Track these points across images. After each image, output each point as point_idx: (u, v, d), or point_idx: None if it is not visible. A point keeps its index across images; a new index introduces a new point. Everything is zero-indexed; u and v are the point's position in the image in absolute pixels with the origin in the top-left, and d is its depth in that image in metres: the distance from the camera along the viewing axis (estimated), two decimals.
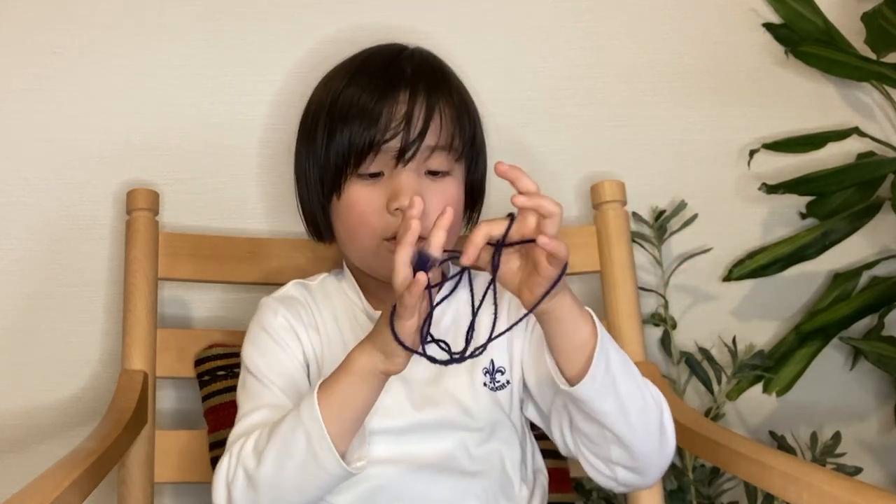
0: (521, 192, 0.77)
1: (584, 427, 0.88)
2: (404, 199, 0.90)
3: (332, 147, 0.94)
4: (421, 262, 0.75)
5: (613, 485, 0.90)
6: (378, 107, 0.92)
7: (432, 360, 0.79)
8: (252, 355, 0.97)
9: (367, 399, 0.83)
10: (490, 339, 0.80)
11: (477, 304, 0.82)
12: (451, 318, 0.96)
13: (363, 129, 0.92)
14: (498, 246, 0.78)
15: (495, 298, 0.82)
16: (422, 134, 0.92)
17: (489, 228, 0.77)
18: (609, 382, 0.83)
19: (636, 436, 0.85)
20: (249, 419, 0.91)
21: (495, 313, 0.82)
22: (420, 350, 0.79)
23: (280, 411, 0.89)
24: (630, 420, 0.84)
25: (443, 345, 0.81)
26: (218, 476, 0.87)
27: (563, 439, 0.93)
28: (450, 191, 0.95)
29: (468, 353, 0.80)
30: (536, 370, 0.95)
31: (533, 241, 0.76)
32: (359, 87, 0.95)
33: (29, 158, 1.27)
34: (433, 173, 0.94)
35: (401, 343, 0.78)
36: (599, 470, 0.89)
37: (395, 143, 0.91)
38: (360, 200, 0.94)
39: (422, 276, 0.74)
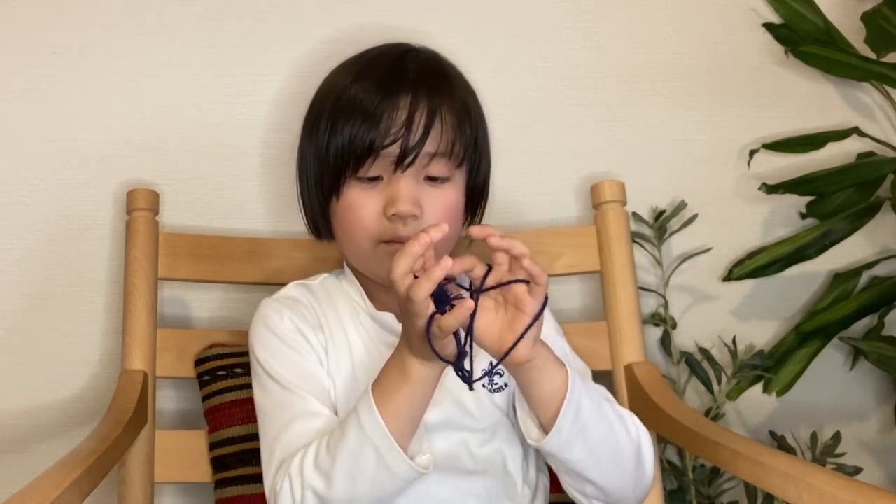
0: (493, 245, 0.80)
1: (557, 465, 0.90)
2: (401, 206, 0.91)
3: (332, 145, 0.94)
4: (441, 296, 0.77)
5: None
6: (379, 110, 0.91)
7: (464, 376, 0.81)
8: (271, 363, 0.96)
9: (426, 401, 0.85)
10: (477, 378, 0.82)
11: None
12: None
13: (363, 132, 0.91)
14: (477, 291, 0.80)
15: (471, 344, 0.81)
16: (421, 140, 0.91)
17: (474, 262, 0.80)
18: (577, 431, 0.85)
19: (607, 478, 0.88)
20: (293, 431, 0.91)
21: (470, 356, 0.82)
22: (454, 362, 0.81)
23: (319, 418, 0.90)
24: (601, 464, 0.87)
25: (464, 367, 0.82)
26: (282, 498, 0.87)
27: (547, 461, 0.95)
28: (449, 197, 0.95)
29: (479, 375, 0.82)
30: None
31: (512, 282, 0.80)
32: (362, 88, 0.94)
33: (29, 158, 1.28)
34: (433, 179, 0.94)
35: (443, 359, 0.79)
36: (578, 500, 0.92)
37: (395, 149, 0.91)
38: (358, 204, 0.93)
39: (470, 303, 0.76)
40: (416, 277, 0.77)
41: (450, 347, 0.79)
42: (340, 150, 0.93)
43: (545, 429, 0.86)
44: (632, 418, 0.92)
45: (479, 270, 0.80)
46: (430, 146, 0.92)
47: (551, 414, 0.85)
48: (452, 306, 0.77)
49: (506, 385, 0.97)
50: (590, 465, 0.87)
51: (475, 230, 0.80)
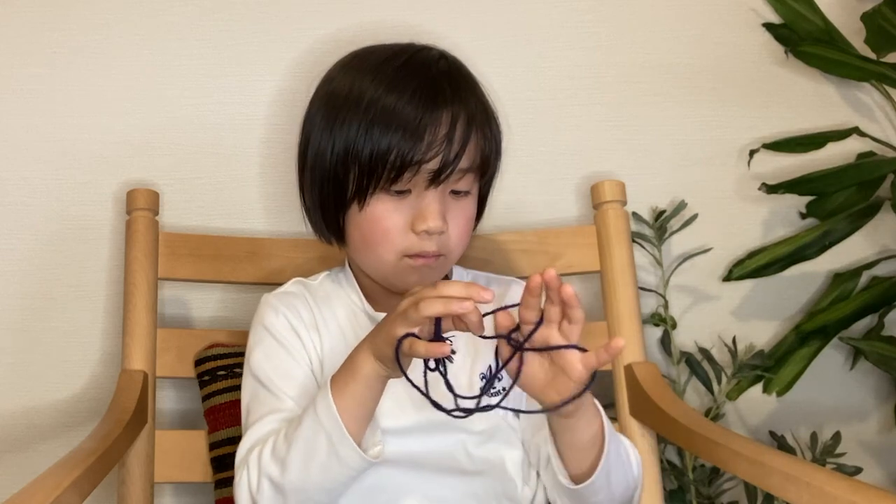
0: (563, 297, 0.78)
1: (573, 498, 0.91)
2: (432, 223, 0.91)
3: (364, 153, 0.91)
4: (438, 332, 0.78)
5: None
6: (422, 125, 0.90)
7: (438, 406, 0.81)
8: (259, 360, 0.97)
9: (377, 395, 0.85)
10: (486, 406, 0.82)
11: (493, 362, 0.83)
12: (462, 342, 0.96)
13: (407, 147, 0.89)
14: (519, 347, 0.80)
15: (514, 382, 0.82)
16: (458, 156, 0.91)
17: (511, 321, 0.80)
18: (605, 478, 0.87)
19: None
20: (259, 428, 0.92)
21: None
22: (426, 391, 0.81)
23: (289, 416, 0.91)
24: (614, 500, 0.90)
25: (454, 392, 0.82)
26: (240, 489, 0.88)
27: (538, 469, 0.96)
28: (469, 209, 0.97)
29: (476, 405, 0.81)
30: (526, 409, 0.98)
31: (562, 347, 0.79)
32: (400, 99, 0.91)
33: (29, 158, 1.28)
34: (455, 192, 0.94)
35: (410, 381, 0.80)
36: None
37: (434, 165, 0.90)
38: (386, 217, 0.93)
39: (446, 348, 0.76)
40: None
41: (409, 364, 0.80)
42: (376, 161, 0.91)
43: (576, 476, 0.88)
44: (634, 452, 0.95)
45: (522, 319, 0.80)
46: (464, 162, 0.92)
47: (585, 465, 0.87)
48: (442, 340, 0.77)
49: (503, 389, 0.97)
50: (605, 502, 0.90)
51: (548, 277, 0.78)
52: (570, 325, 0.79)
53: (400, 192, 0.92)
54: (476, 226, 1.05)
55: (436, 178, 0.91)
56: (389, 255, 0.93)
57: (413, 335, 0.78)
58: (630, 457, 0.94)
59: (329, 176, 0.95)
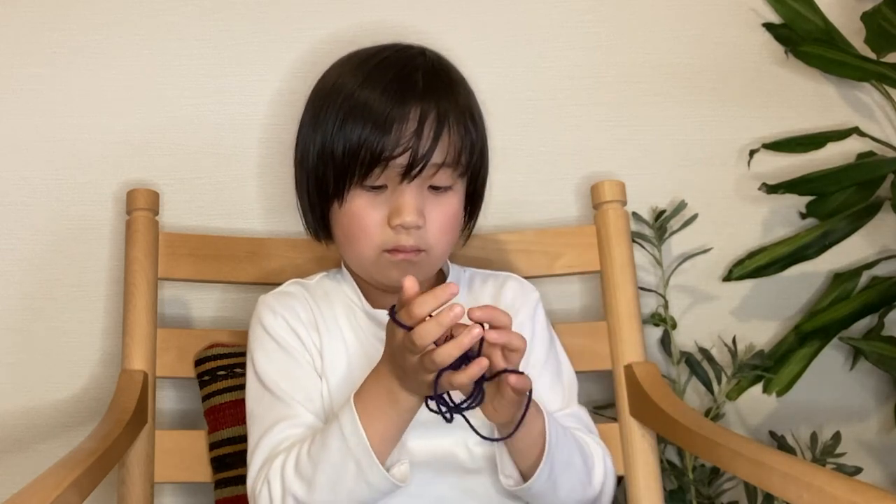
0: (493, 328, 0.79)
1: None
2: (406, 217, 0.91)
3: (338, 146, 0.93)
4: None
5: None
6: (389, 119, 0.90)
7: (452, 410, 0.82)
8: (262, 363, 0.97)
9: (409, 422, 0.86)
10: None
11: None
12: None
13: (374, 141, 0.90)
14: (479, 383, 0.81)
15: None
16: (429, 152, 0.91)
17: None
18: (547, 483, 0.89)
19: None
20: (272, 437, 0.92)
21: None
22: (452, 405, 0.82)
23: (301, 424, 0.92)
24: None
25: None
26: (261, 502, 0.89)
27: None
28: (451, 205, 0.96)
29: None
30: None
31: (502, 371, 0.81)
32: (371, 93, 0.92)
33: (29, 158, 1.28)
34: (435, 188, 0.94)
35: (451, 405, 0.81)
36: None
37: (403, 160, 0.91)
38: (362, 212, 0.93)
39: (483, 361, 0.77)
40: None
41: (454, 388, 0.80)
42: (348, 156, 0.92)
43: (523, 475, 0.90)
44: (605, 465, 0.96)
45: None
46: (437, 157, 0.92)
47: (529, 463, 0.89)
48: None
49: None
50: None
51: (475, 314, 0.78)
52: (512, 353, 0.80)
53: (375, 188, 0.93)
54: (473, 224, 1.05)
55: (407, 174, 0.91)
56: (369, 251, 0.94)
57: (446, 370, 0.77)
58: (594, 469, 0.95)
59: (312, 173, 0.97)
